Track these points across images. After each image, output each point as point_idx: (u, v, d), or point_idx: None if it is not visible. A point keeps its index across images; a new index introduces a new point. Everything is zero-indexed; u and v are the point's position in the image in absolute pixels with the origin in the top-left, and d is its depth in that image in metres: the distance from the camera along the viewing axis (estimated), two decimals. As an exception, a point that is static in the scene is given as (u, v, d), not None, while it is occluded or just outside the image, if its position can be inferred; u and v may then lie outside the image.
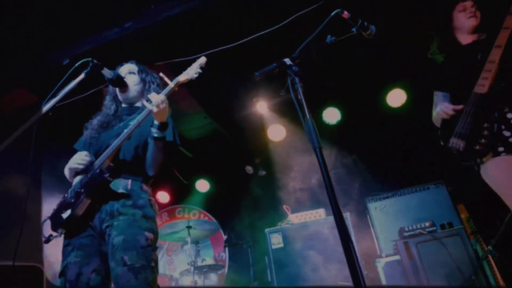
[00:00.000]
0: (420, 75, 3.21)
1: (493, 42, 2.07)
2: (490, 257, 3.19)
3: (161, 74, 2.05)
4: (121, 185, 2.00)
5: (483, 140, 2.05)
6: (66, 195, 2.06)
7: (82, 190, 1.95)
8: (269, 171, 5.48)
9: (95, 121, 2.28)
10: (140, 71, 2.35)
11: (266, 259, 3.98)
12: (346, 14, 2.15)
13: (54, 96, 2.11)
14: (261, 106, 4.81)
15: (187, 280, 4.13)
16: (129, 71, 2.32)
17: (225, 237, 4.85)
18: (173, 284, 4.28)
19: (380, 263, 3.73)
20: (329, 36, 2.06)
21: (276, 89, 4.89)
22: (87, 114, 2.44)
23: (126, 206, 1.93)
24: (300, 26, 3.38)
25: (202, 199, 6.22)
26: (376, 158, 4.61)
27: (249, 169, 5.93)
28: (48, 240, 2.00)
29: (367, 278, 3.66)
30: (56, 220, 1.99)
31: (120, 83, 2.26)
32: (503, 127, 2.03)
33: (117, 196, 1.96)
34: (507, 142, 2.02)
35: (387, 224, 3.97)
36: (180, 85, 2.03)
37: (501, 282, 3.13)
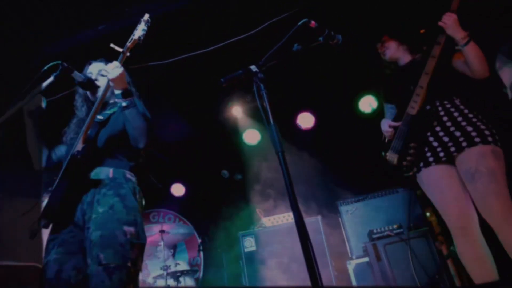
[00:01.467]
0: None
1: (425, 63, 2.36)
2: (453, 258, 3.32)
3: (111, 45, 2.08)
4: (103, 174, 1.93)
5: (409, 158, 2.37)
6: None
7: (59, 177, 1.87)
8: (244, 175, 5.53)
9: (72, 126, 2.26)
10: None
11: (240, 262, 4.01)
12: (313, 23, 2.23)
13: (22, 99, 2.10)
14: (236, 111, 4.86)
15: (159, 285, 4.11)
16: (99, 72, 2.28)
17: (199, 241, 4.85)
18: (145, 289, 4.25)
19: (351, 265, 3.82)
20: (296, 45, 2.13)
21: (252, 94, 4.96)
22: (62, 116, 2.42)
23: (107, 195, 1.84)
24: (276, 32, 3.46)
25: (177, 203, 6.19)
26: (348, 162, 4.72)
27: (225, 173, 5.95)
28: (33, 234, 1.82)
29: (337, 279, 3.75)
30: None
31: (91, 86, 2.25)
32: (431, 138, 2.33)
33: (96, 183, 1.88)
34: (425, 158, 2.34)
35: (358, 227, 4.06)
36: (131, 49, 2.10)
37: (464, 282, 3.27)
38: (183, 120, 5.35)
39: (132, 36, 2.10)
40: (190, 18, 3.68)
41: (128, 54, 2.09)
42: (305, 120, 5.06)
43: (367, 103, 4.76)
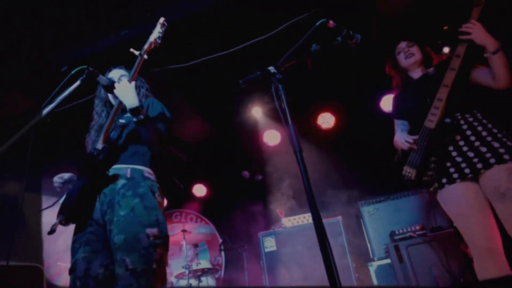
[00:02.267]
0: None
1: (440, 77, 2.29)
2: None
3: (131, 49, 2.12)
4: (121, 173, 1.96)
5: (430, 172, 2.24)
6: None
7: (77, 175, 1.96)
8: (264, 175, 5.55)
9: (92, 132, 2.32)
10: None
11: (261, 262, 4.03)
12: (331, 23, 2.23)
13: (51, 102, 2.19)
14: (256, 112, 4.88)
15: (182, 284, 4.18)
16: (121, 77, 2.36)
17: (220, 241, 4.90)
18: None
19: (373, 267, 3.78)
20: (314, 45, 2.13)
21: (272, 95, 4.97)
22: (85, 120, 2.51)
23: (126, 197, 1.88)
24: (295, 33, 3.47)
25: (199, 204, 6.28)
26: (370, 162, 4.67)
27: (246, 173, 5.99)
28: (52, 231, 1.88)
29: (358, 280, 3.71)
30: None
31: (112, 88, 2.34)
32: (454, 153, 2.21)
33: (113, 179, 1.93)
34: (449, 174, 2.21)
35: (380, 228, 4.02)
36: (149, 52, 2.14)
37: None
38: (204, 121, 5.43)
39: (149, 39, 2.15)
40: (209, 22, 3.73)
41: (145, 57, 2.14)
42: (326, 120, 5.04)
43: (389, 102, 4.68)
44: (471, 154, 2.15)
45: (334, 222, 3.88)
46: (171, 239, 4.37)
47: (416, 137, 2.33)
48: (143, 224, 1.83)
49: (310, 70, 4.69)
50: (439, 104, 2.26)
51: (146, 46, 2.14)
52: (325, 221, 4.07)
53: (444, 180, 2.21)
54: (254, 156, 5.69)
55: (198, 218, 6.28)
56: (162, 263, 1.86)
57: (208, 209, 6.21)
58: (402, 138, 2.40)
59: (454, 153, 2.21)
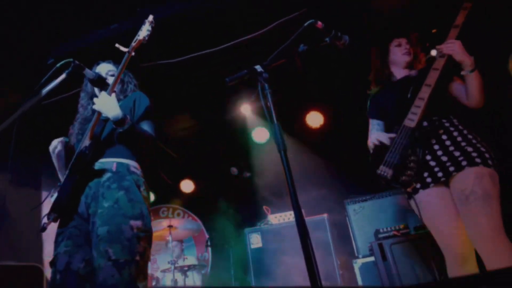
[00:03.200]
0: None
1: (423, 79, 2.28)
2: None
3: (116, 45, 2.11)
4: (106, 167, 1.97)
5: (408, 172, 2.17)
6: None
7: (68, 172, 1.95)
8: (253, 172, 5.57)
9: (76, 124, 2.32)
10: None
11: (246, 259, 4.06)
12: (320, 24, 2.25)
13: (35, 95, 2.18)
14: (245, 109, 4.89)
15: (167, 279, 4.19)
16: (108, 72, 2.38)
17: (207, 237, 4.91)
18: (153, 283, 4.33)
19: (357, 264, 3.83)
20: (301, 45, 2.16)
21: (256, 94, 4.98)
22: (71, 114, 2.50)
23: (111, 189, 1.89)
24: (285, 32, 3.49)
25: (187, 199, 6.28)
26: (358, 161, 4.72)
27: (234, 170, 6.00)
28: (43, 228, 1.91)
29: (342, 278, 3.77)
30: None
31: (101, 83, 2.32)
32: (428, 157, 2.20)
33: (99, 173, 1.94)
34: (423, 179, 2.19)
35: (365, 226, 4.06)
36: (136, 49, 2.13)
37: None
38: (193, 117, 5.43)
39: (136, 37, 2.13)
40: (200, 18, 3.71)
41: (133, 54, 2.12)
42: (314, 119, 5.07)
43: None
44: (444, 158, 2.16)
45: (319, 220, 3.93)
46: (157, 234, 4.39)
47: (393, 135, 2.31)
48: (127, 216, 1.83)
49: (299, 70, 4.76)
50: (420, 103, 2.24)
51: (133, 44, 2.13)
52: (311, 218, 4.13)
53: (418, 185, 2.21)
54: (243, 153, 5.70)
55: (185, 213, 6.28)
56: (145, 256, 1.85)
57: (195, 205, 6.22)
58: (379, 135, 2.38)
59: (428, 157, 2.20)
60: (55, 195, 1.95)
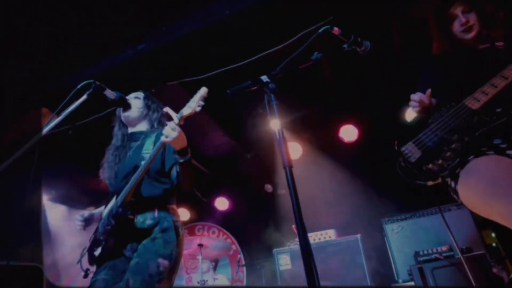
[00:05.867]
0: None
1: (510, 56, 1.75)
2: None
3: (167, 108, 2.04)
4: (148, 216, 2.04)
5: (440, 161, 1.69)
6: (98, 228, 2.16)
7: (109, 228, 2.01)
8: (286, 189, 5.40)
9: (110, 156, 2.36)
10: (145, 97, 2.46)
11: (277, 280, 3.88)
12: (336, 30, 2.12)
13: (57, 116, 2.23)
14: (275, 124, 4.77)
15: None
16: (134, 96, 2.45)
17: (239, 256, 4.79)
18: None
19: (396, 289, 3.53)
20: (316, 53, 2.03)
21: (289, 107, 4.87)
22: (97, 135, 2.54)
23: (152, 231, 1.99)
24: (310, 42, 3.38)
25: (222, 217, 6.21)
26: (395, 177, 4.41)
27: (268, 187, 5.87)
28: (86, 274, 2.08)
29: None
30: (90, 255, 2.10)
31: (123, 103, 2.35)
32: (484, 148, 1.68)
33: (145, 233, 1.99)
34: (478, 150, 1.68)
35: (405, 247, 3.76)
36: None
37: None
38: (225, 134, 5.40)
39: (189, 106, 2.00)
40: (224, 33, 3.71)
41: (181, 123, 1.99)
42: (349, 133, 4.84)
43: (413, 114, 4.44)
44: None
45: (352, 240, 3.67)
46: (188, 252, 4.34)
47: (429, 99, 1.79)
48: (158, 253, 1.91)
49: (329, 82, 4.60)
50: (501, 83, 1.70)
51: (185, 113, 1.97)
52: (343, 238, 3.87)
53: (471, 157, 1.66)
54: (277, 169, 5.57)
55: (220, 231, 6.20)
56: None
57: (230, 223, 6.13)
58: (424, 97, 1.81)
59: (498, 141, 1.66)
60: (99, 250, 2.04)
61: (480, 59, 1.91)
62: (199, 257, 4.17)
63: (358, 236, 3.68)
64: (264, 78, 1.67)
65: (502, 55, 1.86)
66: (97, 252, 2.03)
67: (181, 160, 1.98)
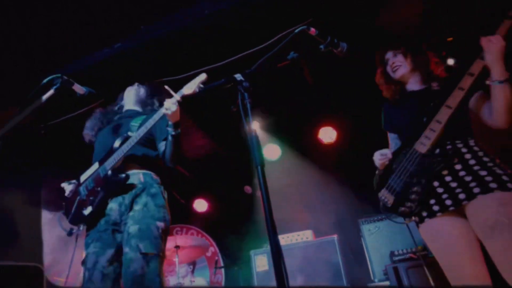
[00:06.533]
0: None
1: (445, 94, 1.96)
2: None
3: (166, 87, 2.22)
4: (134, 178, 2.24)
5: (409, 204, 1.92)
6: (77, 192, 2.35)
7: (99, 189, 2.24)
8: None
9: (95, 118, 2.69)
10: (139, 84, 2.79)
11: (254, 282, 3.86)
12: (313, 31, 2.13)
13: (21, 111, 2.17)
14: (254, 126, 4.76)
15: (172, 303, 4.03)
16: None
17: (216, 258, 4.75)
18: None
19: (372, 289, 3.56)
20: (292, 53, 2.03)
21: (270, 108, 4.88)
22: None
23: (140, 196, 2.19)
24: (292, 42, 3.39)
25: (200, 219, 6.15)
26: (372, 178, 4.48)
27: (248, 189, 5.85)
28: (70, 233, 2.39)
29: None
30: (76, 216, 2.29)
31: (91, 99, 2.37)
32: (436, 183, 1.92)
33: (130, 187, 2.21)
34: (429, 207, 1.92)
35: (381, 248, 3.80)
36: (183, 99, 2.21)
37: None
38: (205, 135, 5.36)
39: (189, 85, 2.20)
40: (205, 33, 3.68)
41: (180, 100, 2.22)
42: (327, 135, 4.88)
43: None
44: (453, 184, 1.87)
45: (329, 241, 3.69)
46: (165, 254, 4.26)
47: (388, 152, 2.08)
48: (154, 217, 2.14)
49: (309, 82, 4.63)
50: (437, 127, 1.93)
51: (185, 92, 2.20)
52: (320, 239, 3.89)
53: (424, 214, 1.93)
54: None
55: (199, 234, 6.14)
56: (164, 254, 2.16)
57: (209, 225, 6.08)
58: (378, 155, 2.11)
59: (435, 183, 1.91)
60: (90, 209, 2.23)
61: (418, 101, 2.12)
62: (176, 260, 4.11)
63: (335, 236, 3.70)
64: (238, 76, 1.66)
65: (437, 94, 2.05)
66: (87, 211, 2.22)
67: (174, 133, 2.22)
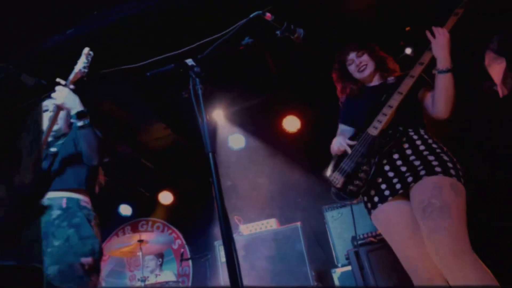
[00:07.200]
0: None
1: (398, 87, 2.09)
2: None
3: (57, 79, 2.07)
4: (55, 204, 1.95)
5: (357, 182, 2.02)
6: None
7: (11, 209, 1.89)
8: (231, 181, 5.36)
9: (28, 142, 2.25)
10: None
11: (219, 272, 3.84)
12: (269, 16, 2.11)
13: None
14: (218, 115, 4.71)
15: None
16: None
17: (182, 251, 4.69)
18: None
19: (336, 274, 3.63)
20: (246, 38, 2.01)
21: (234, 98, 4.83)
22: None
23: (61, 227, 1.89)
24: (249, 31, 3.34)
25: (166, 212, 6.05)
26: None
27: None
28: None
29: (318, 289, 3.56)
30: None
31: (43, 91, 2.21)
32: (387, 168, 2.01)
33: (46, 208, 1.92)
34: (380, 191, 2.00)
35: (344, 233, 3.88)
36: (76, 81, 2.09)
37: None
38: (167, 126, 5.24)
39: (74, 70, 2.10)
40: (162, 20, 3.56)
41: (71, 87, 2.08)
42: (291, 124, 4.90)
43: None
44: (403, 168, 1.94)
45: (292, 228, 3.71)
46: (128, 249, 4.17)
47: (354, 142, 2.12)
48: (78, 254, 1.85)
49: (273, 73, 4.61)
50: (388, 111, 2.06)
51: (71, 77, 2.09)
52: (284, 227, 3.91)
53: (376, 199, 2.01)
54: (222, 160, 5.50)
55: (165, 226, 6.05)
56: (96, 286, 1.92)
57: (175, 217, 5.99)
58: (339, 141, 2.18)
59: (386, 167, 1.99)
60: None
61: (375, 94, 2.24)
62: (139, 254, 4.02)
63: (299, 224, 3.73)
64: (189, 61, 1.61)
65: (391, 87, 2.18)
66: None
67: (80, 123, 1.99)
